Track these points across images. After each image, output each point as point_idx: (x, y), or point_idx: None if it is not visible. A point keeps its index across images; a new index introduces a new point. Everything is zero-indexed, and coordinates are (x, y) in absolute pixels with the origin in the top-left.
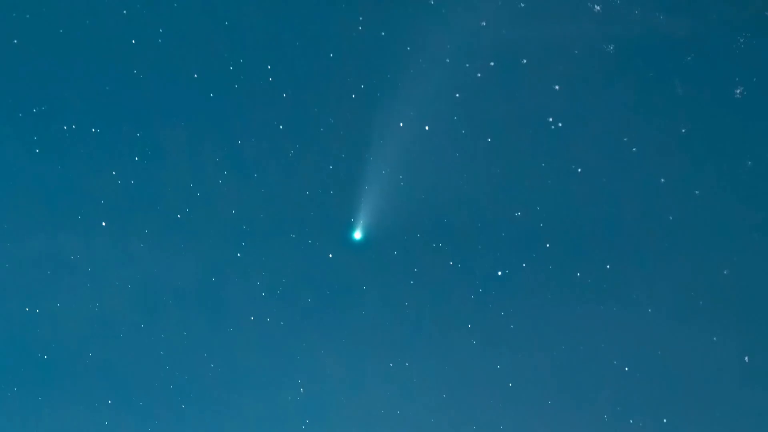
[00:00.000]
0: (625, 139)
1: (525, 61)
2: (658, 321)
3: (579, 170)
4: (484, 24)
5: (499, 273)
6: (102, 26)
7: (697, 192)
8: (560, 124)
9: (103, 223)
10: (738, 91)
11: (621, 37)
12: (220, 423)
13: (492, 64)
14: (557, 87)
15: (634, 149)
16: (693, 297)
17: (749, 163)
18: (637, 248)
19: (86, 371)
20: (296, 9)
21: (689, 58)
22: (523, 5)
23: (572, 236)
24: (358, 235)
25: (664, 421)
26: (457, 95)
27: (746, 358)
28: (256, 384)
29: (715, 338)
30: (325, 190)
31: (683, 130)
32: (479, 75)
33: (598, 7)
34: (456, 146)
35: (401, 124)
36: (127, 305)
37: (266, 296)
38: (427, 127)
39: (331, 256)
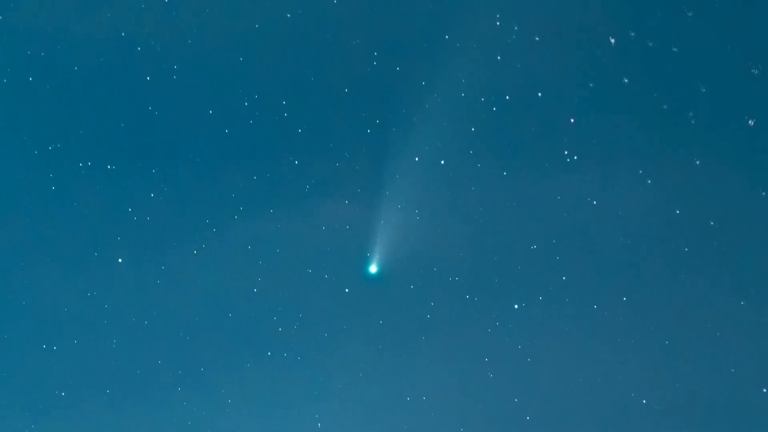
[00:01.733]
0: (640, 171)
1: (540, 94)
2: (675, 353)
3: (594, 203)
4: (499, 58)
5: (516, 306)
6: (116, 63)
7: (711, 223)
8: (575, 157)
9: (120, 260)
10: (751, 122)
11: (635, 69)
12: None
13: (507, 97)
14: (572, 120)
15: (649, 181)
16: (710, 329)
17: (763, 193)
18: (653, 280)
19: (104, 408)
20: (311, 45)
21: (703, 89)
22: (537, 39)
23: (588, 269)
24: (373, 269)
25: None
26: (473, 129)
27: (765, 390)
28: (274, 419)
29: (733, 369)
30: (341, 225)
31: (697, 162)
32: (494, 109)
33: (613, 40)
34: (471, 180)
35: (417, 159)
36: (144, 341)
37: (283, 331)
38: (442, 162)
39: (347, 290)
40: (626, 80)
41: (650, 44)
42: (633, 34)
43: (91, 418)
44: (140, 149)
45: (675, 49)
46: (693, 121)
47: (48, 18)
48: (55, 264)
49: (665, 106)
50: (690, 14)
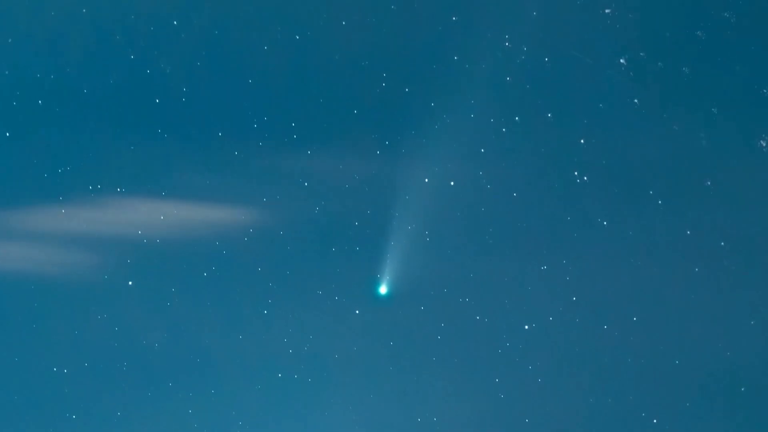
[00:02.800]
0: (651, 192)
1: (550, 115)
2: (685, 374)
3: (605, 223)
4: (509, 79)
5: (526, 327)
6: (126, 86)
7: (722, 243)
8: (586, 178)
9: (130, 283)
10: (764, 143)
11: (646, 90)
12: None
13: (517, 118)
14: (582, 141)
15: (659, 202)
16: (720, 349)
17: None
18: (663, 301)
19: (115, 431)
20: (320, 67)
21: (714, 110)
22: (547, 59)
23: (598, 289)
24: (383, 290)
25: None
26: (482, 150)
27: None
28: None
29: (743, 388)
30: (350, 246)
31: (708, 183)
32: (504, 130)
33: (623, 60)
34: (481, 201)
35: (426, 180)
36: (154, 364)
37: (293, 353)
38: (452, 183)
39: (357, 312)
40: (636, 101)
41: (660, 65)
42: (643, 54)
43: None
44: (149, 172)
45: (686, 70)
46: (704, 142)
47: (57, 41)
48: (65, 287)
49: (676, 127)
50: (700, 35)
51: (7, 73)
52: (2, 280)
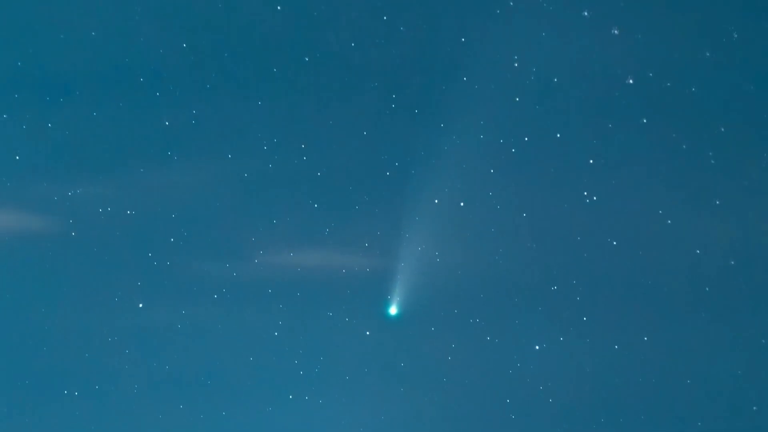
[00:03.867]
0: (660, 212)
1: (559, 135)
2: (698, 393)
3: (614, 243)
4: (518, 100)
5: (537, 347)
6: (136, 109)
7: (732, 262)
8: (595, 198)
9: (140, 305)
10: None
11: (654, 109)
12: None
13: (526, 139)
14: (591, 161)
15: (669, 221)
16: (732, 369)
17: None
18: (674, 321)
19: None
20: (329, 89)
21: (722, 128)
22: (556, 80)
23: (609, 310)
24: (393, 311)
25: None
26: (492, 171)
27: None
28: None
29: (755, 407)
30: (361, 268)
31: (718, 202)
32: (513, 150)
33: (631, 80)
34: (491, 222)
35: (436, 201)
36: (165, 386)
37: (304, 375)
38: (462, 203)
39: (368, 333)
40: (645, 120)
41: (668, 84)
42: (651, 74)
43: None
44: (159, 194)
45: (694, 89)
46: (713, 161)
47: (65, 65)
48: (75, 310)
49: (684, 146)
50: (708, 54)
51: (16, 96)
52: (9, 302)
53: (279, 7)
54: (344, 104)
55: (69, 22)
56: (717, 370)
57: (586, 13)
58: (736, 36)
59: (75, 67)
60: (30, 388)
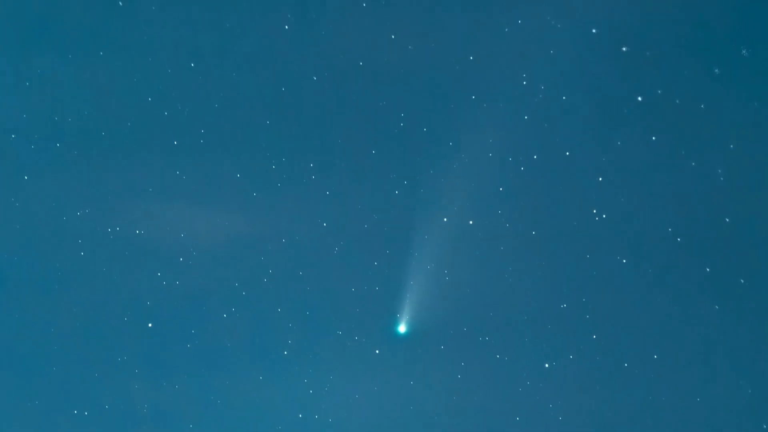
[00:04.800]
0: (670, 230)
1: (568, 153)
2: (708, 411)
3: (624, 261)
4: (526, 117)
5: (546, 365)
6: (143, 128)
7: (742, 281)
8: (604, 216)
9: (150, 324)
10: None
11: (663, 126)
12: None
13: (535, 157)
14: (601, 179)
15: (678, 239)
16: (743, 387)
17: None
18: (684, 339)
19: None
20: (338, 107)
21: (731, 146)
22: (564, 98)
23: (619, 327)
24: (402, 329)
25: None
26: (501, 189)
27: None
28: None
29: (765, 426)
30: (370, 287)
31: (727, 219)
32: (522, 168)
33: (640, 98)
34: (500, 240)
35: (445, 219)
36: (175, 406)
37: (314, 393)
38: (471, 222)
39: (377, 352)
40: (654, 138)
41: (677, 101)
42: (660, 91)
43: None
44: (168, 214)
45: (703, 107)
46: (722, 178)
47: (74, 84)
48: (84, 330)
49: (693, 163)
50: (717, 71)
51: (24, 116)
52: (20, 323)
53: (287, 27)
54: (352, 123)
55: (76, 41)
56: (728, 388)
57: (594, 31)
58: (745, 53)
59: (82, 87)
60: (39, 408)
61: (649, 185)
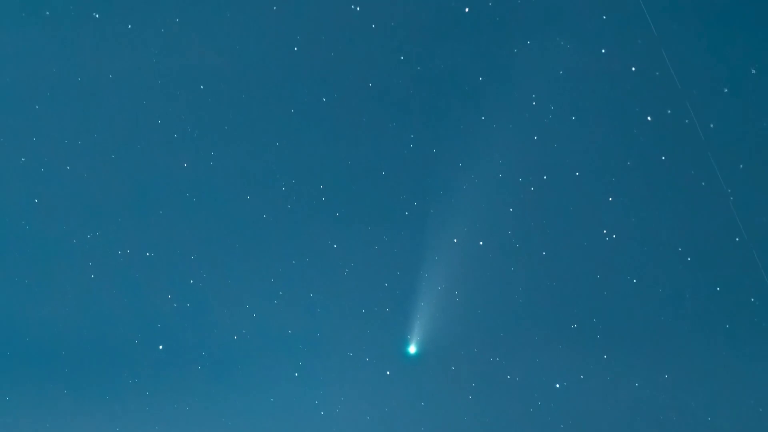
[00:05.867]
0: (680, 249)
1: (577, 173)
2: (719, 429)
3: (634, 281)
4: (536, 138)
5: (557, 385)
6: (153, 151)
7: (753, 300)
8: (614, 236)
9: (160, 347)
10: None
11: (672, 147)
12: None
13: (545, 177)
14: (611, 199)
15: (689, 259)
16: (753, 405)
17: None
18: (694, 358)
19: None
20: (347, 129)
21: (741, 165)
22: (574, 118)
23: (630, 347)
24: (413, 349)
25: None
26: (511, 210)
27: None
28: None
29: None
30: (380, 308)
31: (737, 239)
32: (532, 189)
33: (650, 118)
34: (511, 261)
35: (455, 240)
36: (186, 430)
37: (325, 415)
38: (481, 243)
39: (388, 373)
40: (663, 157)
41: (687, 122)
42: (669, 111)
43: None
44: (178, 236)
45: (712, 126)
46: (731, 198)
47: (84, 106)
48: (95, 352)
49: (703, 183)
50: (726, 90)
51: (34, 139)
52: (30, 345)
53: (296, 48)
54: (362, 144)
55: (89, 67)
56: (739, 408)
57: (603, 51)
58: (754, 72)
59: (93, 109)
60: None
61: (659, 205)
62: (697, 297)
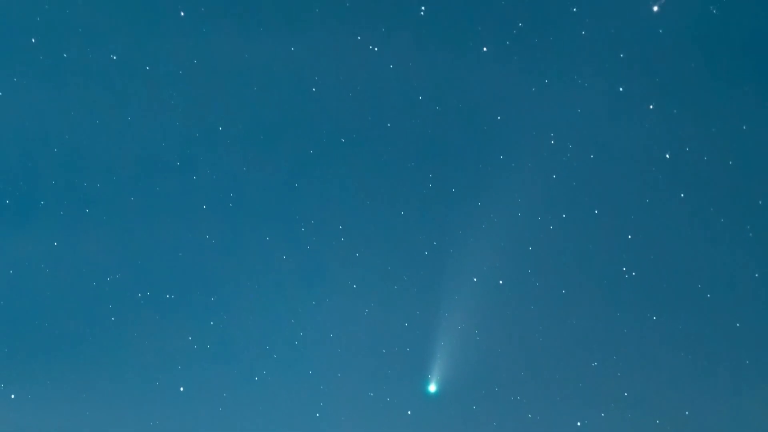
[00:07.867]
0: (699, 286)
1: (596, 211)
2: None
3: (654, 318)
4: (555, 177)
5: (579, 424)
6: (172, 194)
7: None
8: (634, 273)
9: (181, 389)
10: None
11: (691, 184)
12: None
13: (564, 216)
14: (630, 236)
15: (708, 295)
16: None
17: None
18: (715, 395)
19: None
20: (366, 170)
21: (760, 201)
22: (592, 156)
23: (650, 384)
24: (433, 388)
25: None
26: (530, 248)
27: None
28: None
29: None
30: (401, 348)
31: (756, 275)
32: (551, 227)
33: (668, 155)
34: (530, 299)
35: (475, 279)
36: None
37: None
38: (501, 281)
39: (410, 413)
40: (682, 195)
41: (705, 158)
42: (688, 149)
43: None
44: (198, 278)
45: (731, 163)
46: (751, 234)
47: (103, 150)
48: (116, 394)
49: (722, 220)
50: (745, 128)
51: (53, 182)
52: (52, 387)
53: (314, 89)
54: (381, 184)
55: (106, 107)
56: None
57: (621, 89)
58: None
59: (111, 153)
60: None
61: (677, 242)
62: (717, 333)
